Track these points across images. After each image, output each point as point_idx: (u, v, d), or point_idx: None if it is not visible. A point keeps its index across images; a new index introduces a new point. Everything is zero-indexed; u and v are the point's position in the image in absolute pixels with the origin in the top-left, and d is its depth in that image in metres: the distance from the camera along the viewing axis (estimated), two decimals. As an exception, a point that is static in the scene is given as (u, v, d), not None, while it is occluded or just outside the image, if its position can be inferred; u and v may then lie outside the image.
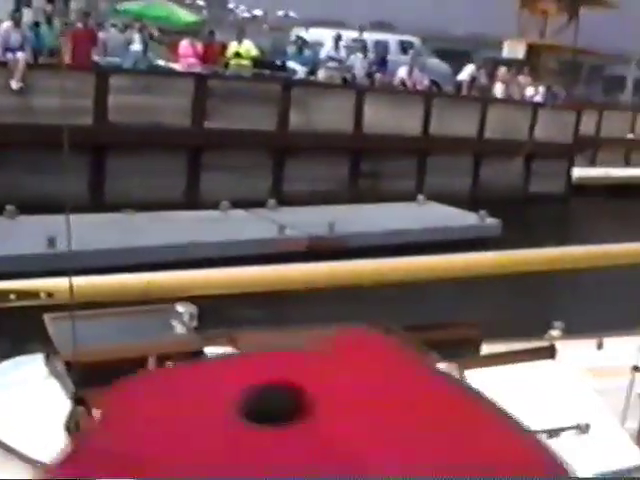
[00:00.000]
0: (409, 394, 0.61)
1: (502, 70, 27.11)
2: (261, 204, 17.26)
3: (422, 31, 33.17)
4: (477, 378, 4.60)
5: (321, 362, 1.17)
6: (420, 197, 20.15)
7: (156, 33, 22.77)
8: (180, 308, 4.84)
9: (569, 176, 27.25)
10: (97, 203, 16.08)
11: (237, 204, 16.73)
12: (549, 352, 5.07)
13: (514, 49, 33.01)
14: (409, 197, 19.99)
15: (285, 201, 17.68)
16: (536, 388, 4.71)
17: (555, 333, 6.11)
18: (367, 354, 0.63)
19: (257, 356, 1.55)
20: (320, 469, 0.72)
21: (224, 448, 1.28)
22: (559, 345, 5.48)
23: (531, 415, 4.34)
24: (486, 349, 5.24)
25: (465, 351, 4.81)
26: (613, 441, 4.43)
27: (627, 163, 33.29)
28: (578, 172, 27.91)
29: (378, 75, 23.40)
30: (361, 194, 19.67)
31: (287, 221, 15.92)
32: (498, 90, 26.05)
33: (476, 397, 0.62)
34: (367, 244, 14.79)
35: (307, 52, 22.52)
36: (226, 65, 20.93)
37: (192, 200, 17.59)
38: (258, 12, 52.57)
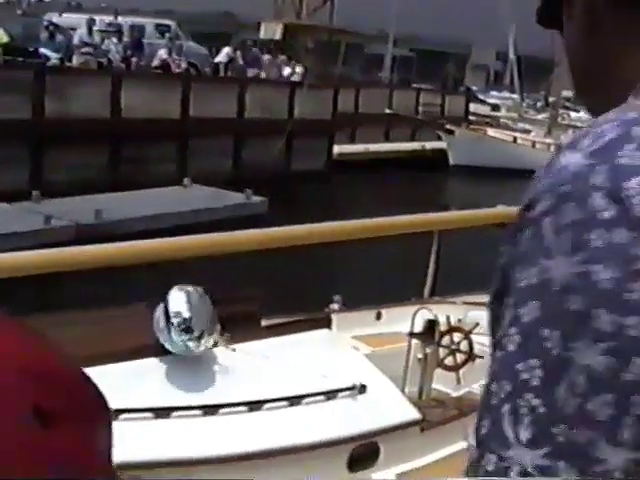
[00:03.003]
0: None
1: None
2: (25, 196, 16.74)
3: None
4: (255, 348, 4.72)
5: None
6: (186, 180, 20.12)
7: None
8: None
9: (330, 153, 27.95)
10: None
11: (-1, 197, 16.11)
12: (325, 322, 5.23)
13: (271, 30, 33.36)
14: (174, 181, 19.93)
15: (49, 192, 17.17)
16: (312, 356, 4.84)
17: (335, 307, 6.34)
18: None
19: None
20: None
21: None
22: (339, 317, 5.68)
23: (308, 380, 4.52)
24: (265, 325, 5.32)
25: (244, 322, 4.86)
26: (389, 400, 4.66)
27: (386, 138, 34.42)
28: (338, 149, 28.66)
29: (134, 59, 23.20)
30: (126, 180, 19.37)
31: (53, 211, 15.64)
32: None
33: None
34: (136, 229, 14.65)
35: (60, 38, 22.00)
36: (-24, 54, 20.13)
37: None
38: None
